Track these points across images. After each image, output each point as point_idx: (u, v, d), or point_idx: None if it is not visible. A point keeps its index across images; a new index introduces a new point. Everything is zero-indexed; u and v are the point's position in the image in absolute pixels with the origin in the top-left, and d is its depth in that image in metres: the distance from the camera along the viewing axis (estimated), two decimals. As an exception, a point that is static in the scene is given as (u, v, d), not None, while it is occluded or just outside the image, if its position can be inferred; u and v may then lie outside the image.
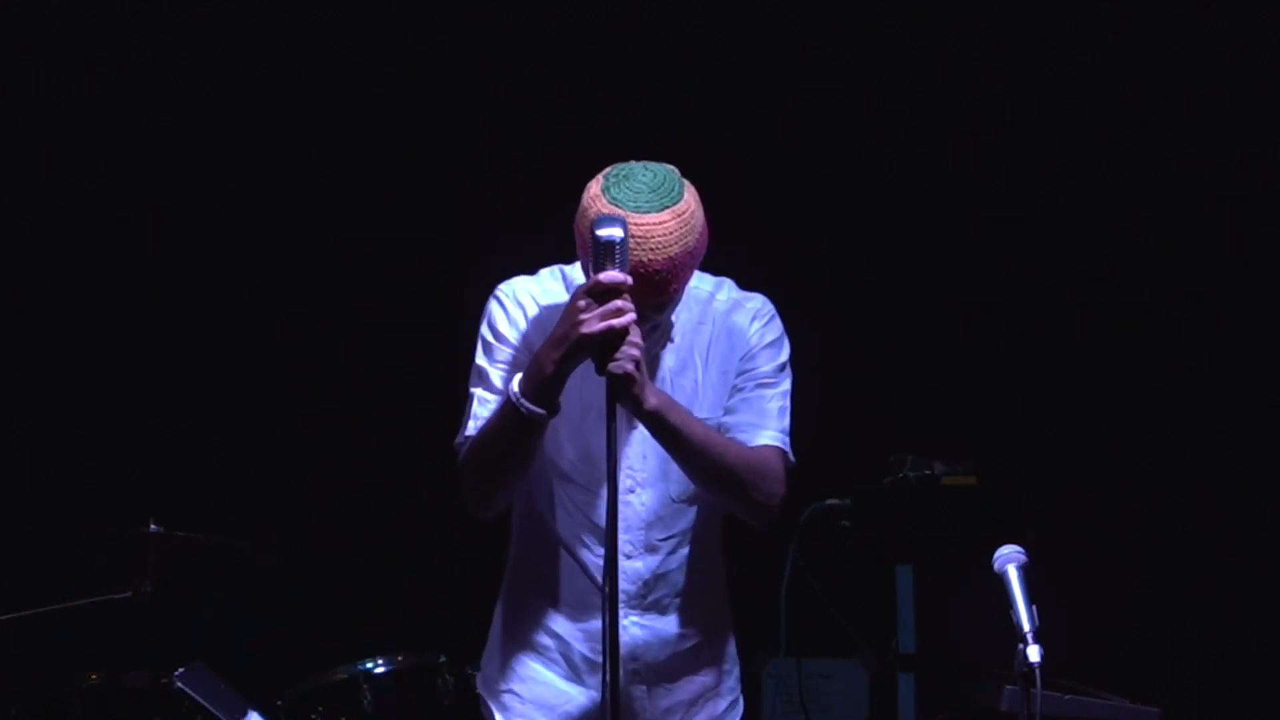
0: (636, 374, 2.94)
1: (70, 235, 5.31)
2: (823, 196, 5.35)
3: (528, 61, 5.32)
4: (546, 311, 3.17)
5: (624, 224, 2.93)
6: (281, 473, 5.23)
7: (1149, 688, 4.80)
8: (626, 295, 2.91)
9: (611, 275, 2.91)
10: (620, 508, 3.00)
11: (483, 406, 3.15)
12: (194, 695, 4.16)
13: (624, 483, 3.09)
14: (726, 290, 3.25)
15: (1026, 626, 3.03)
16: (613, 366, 2.92)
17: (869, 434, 5.04)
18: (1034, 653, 2.99)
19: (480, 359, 3.19)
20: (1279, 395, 5.23)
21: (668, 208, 2.98)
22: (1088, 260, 5.34)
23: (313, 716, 4.25)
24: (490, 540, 3.40)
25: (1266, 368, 5.24)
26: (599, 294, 2.91)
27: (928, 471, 4.59)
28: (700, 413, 3.14)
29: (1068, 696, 4.31)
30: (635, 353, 2.93)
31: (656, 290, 2.99)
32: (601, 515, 3.10)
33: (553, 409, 3.01)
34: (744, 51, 5.35)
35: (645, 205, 2.97)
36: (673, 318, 3.16)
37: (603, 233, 2.92)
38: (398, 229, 5.34)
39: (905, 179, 5.38)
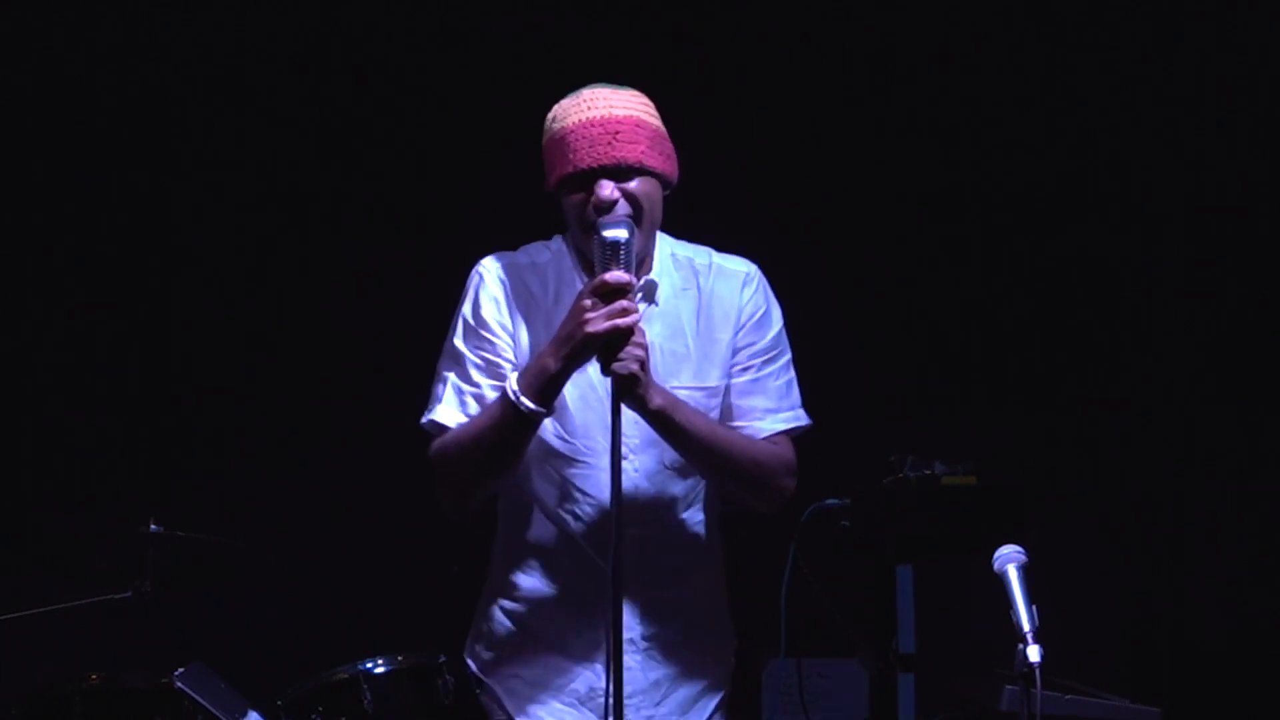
0: (641, 374, 2.95)
1: (71, 234, 5.30)
2: (822, 195, 5.35)
3: (513, 51, 5.32)
4: (529, 286, 3.18)
5: (629, 225, 2.97)
6: (281, 473, 5.23)
7: (1149, 688, 4.80)
8: (632, 296, 2.94)
9: (617, 275, 2.93)
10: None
11: (458, 395, 3.15)
12: (194, 695, 4.15)
13: None
14: (708, 255, 3.28)
15: (1026, 626, 3.03)
16: (617, 366, 2.94)
17: (869, 434, 5.03)
18: (1034, 653, 3.00)
19: (459, 343, 3.18)
20: (1279, 395, 5.23)
21: (632, 92, 3.16)
22: (1088, 260, 5.34)
23: (313, 716, 4.24)
24: (491, 540, 3.40)
25: (1267, 367, 5.24)
26: (604, 294, 2.93)
27: (928, 471, 4.59)
28: (695, 379, 3.15)
29: (1068, 696, 4.32)
30: (640, 353, 2.95)
31: (631, 138, 3.07)
32: (590, 486, 3.11)
33: (551, 408, 3.01)
34: (743, 45, 5.34)
35: (610, 86, 3.15)
36: (654, 278, 3.17)
37: (608, 234, 2.95)
38: (398, 231, 5.34)
39: (906, 177, 5.38)
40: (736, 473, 3.14)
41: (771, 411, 3.22)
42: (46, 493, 5.26)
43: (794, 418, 3.25)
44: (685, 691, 3.26)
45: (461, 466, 3.12)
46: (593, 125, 3.06)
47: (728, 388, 3.22)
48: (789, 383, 3.27)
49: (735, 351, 3.21)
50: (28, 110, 5.29)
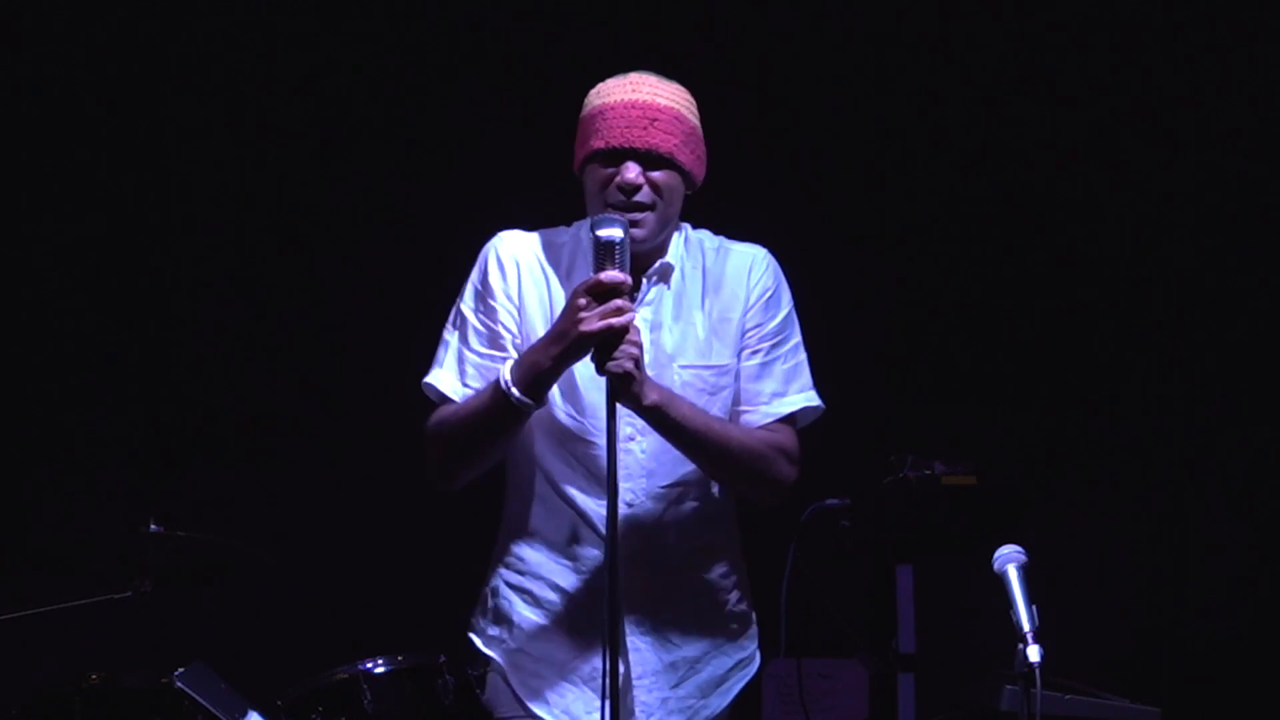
0: (636, 372, 2.96)
1: (71, 233, 5.30)
2: (823, 194, 5.35)
3: (520, 46, 5.33)
4: (542, 260, 3.19)
5: (624, 225, 2.97)
6: (282, 472, 5.23)
7: (1149, 688, 4.80)
8: (626, 295, 2.94)
9: (612, 275, 2.94)
10: (620, 455, 3.01)
11: (458, 362, 3.16)
12: (194, 695, 4.14)
13: (623, 430, 3.08)
14: (717, 239, 3.28)
15: (1026, 626, 3.03)
16: (612, 365, 2.94)
17: (869, 434, 5.04)
18: (1034, 653, 3.00)
19: (465, 308, 3.20)
20: (1279, 395, 5.23)
21: (679, 86, 3.17)
22: (1089, 260, 5.34)
23: (313, 716, 4.24)
24: (490, 539, 3.40)
25: (1267, 368, 5.24)
26: (599, 293, 2.93)
27: (928, 471, 4.59)
28: (701, 358, 3.15)
29: (1068, 696, 4.32)
30: (635, 351, 2.95)
31: (667, 129, 3.08)
32: (597, 466, 3.11)
33: (543, 400, 3.02)
34: (746, 44, 5.34)
35: (657, 75, 3.16)
36: (670, 260, 3.18)
37: (603, 233, 2.95)
38: (399, 232, 5.33)
39: (907, 176, 5.38)
40: (734, 466, 3.13)
41: (779, 395, 3.21)
42: (46, 492, 5.26)
43: (804, 400, 3.23)
44: (708, 673, 3.24)
45: (451, 446, 3.13)
46: (633, 107, 3.07)
47: (738, 371, 3.21)
48: (798, 365, 3.25)
49: (744, 333, 3.21)
50: (28, 109, 5.29)
